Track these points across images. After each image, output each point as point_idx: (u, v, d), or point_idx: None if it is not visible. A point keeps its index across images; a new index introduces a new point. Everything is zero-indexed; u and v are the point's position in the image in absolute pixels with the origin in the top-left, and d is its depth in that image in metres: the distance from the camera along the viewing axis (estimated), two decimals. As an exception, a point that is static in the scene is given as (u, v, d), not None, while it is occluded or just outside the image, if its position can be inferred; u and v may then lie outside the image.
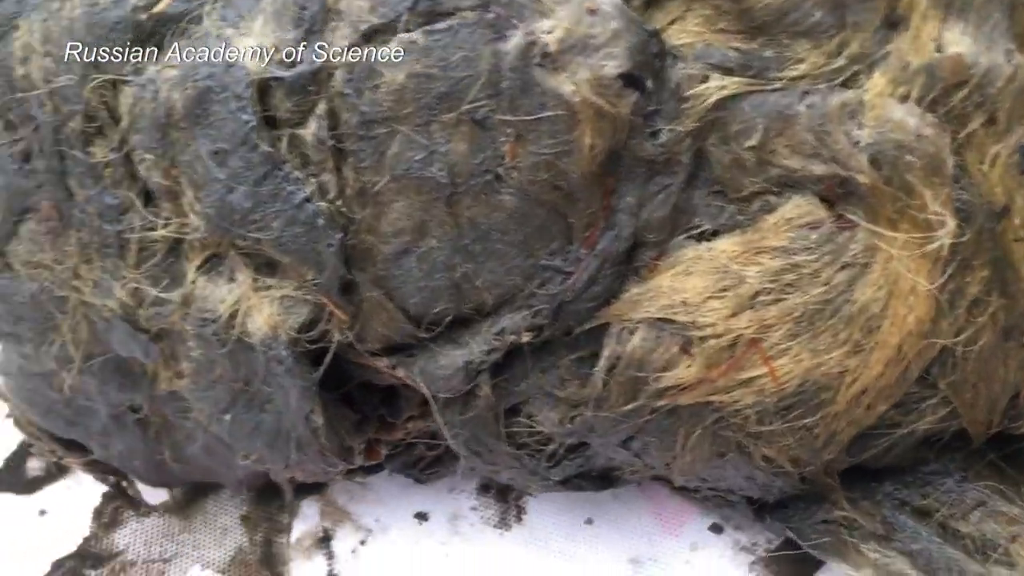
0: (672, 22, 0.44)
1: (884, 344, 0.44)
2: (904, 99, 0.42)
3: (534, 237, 0.44)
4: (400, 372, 0.47)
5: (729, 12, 0.42)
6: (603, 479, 0.51)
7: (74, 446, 0.53)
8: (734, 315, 0.44)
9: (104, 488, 0.58)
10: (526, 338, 0.45)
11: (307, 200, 0.42)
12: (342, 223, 0.43)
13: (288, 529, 0.58)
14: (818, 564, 0.54)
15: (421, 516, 0.58)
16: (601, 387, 0.46)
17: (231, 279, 0.45)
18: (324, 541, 0.57)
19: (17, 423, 0.54)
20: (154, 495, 0.58)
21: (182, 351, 0.47)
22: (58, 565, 0.56)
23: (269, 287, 0.44)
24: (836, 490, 0.49)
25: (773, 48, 0.42)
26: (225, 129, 0.41)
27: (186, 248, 0.45)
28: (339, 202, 0.43)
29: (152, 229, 0.44)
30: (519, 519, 0.57)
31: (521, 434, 0.48)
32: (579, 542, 0.56)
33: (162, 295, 0.45)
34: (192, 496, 0.59)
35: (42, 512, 0.59)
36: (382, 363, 0.47)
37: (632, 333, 0.45)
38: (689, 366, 0.45)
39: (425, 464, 0.54)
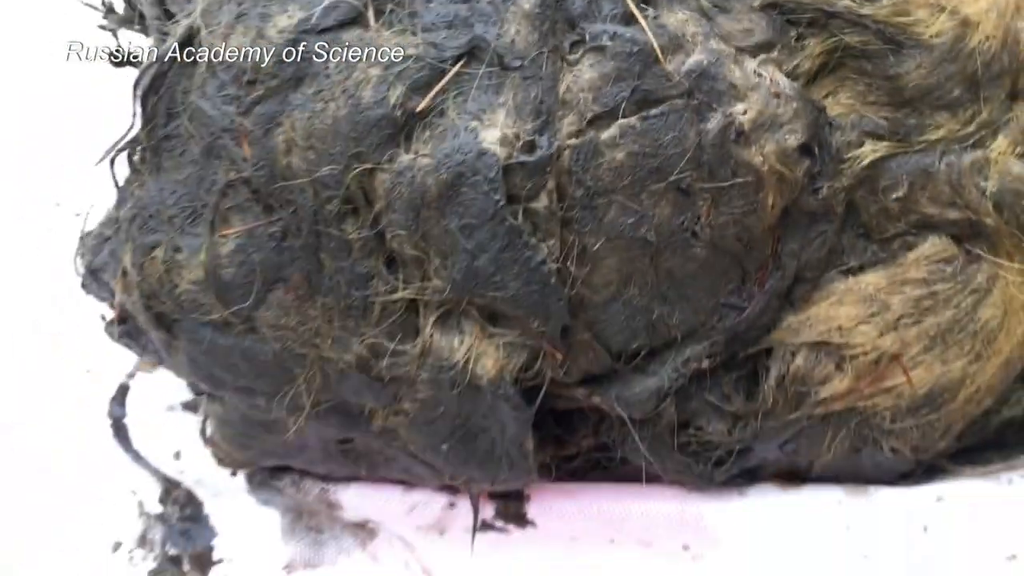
0: (827, 95, 0.52)
1: (999, 352, 0.54)
2: (1022, 156, 0.51)
3: (717, 281, 0.52)
4: (596, 399, 0.54)
5: (880, 88, 0.51)
6: (751, 475, 0.60)
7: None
8: (881, 336, 0.53)
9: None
10: (706, 364, 0.54)
11: (542, 263, 0.49)
12: (566, 279, 0.50)
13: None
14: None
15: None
16: (771, 401, 0.54)
17: (460, 330, 0.51)
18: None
19: (221, 462, 0.60)
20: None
21: (407, 394, 0.53)
22: None
23: (493, 335, 0.51)
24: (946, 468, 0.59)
25: (916, 117, 0.51)
26: (474, 207, 0.48)
27: (422, 306, 0.51)
28: (566, 262, 0.50)
29: (394, 292, 0.50)
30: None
31: (691, 443, 0.57)
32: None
33: (400, 348, 0.51)
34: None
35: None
36: (580, 392, 0.54)
37: (794, 355, 0.54)
38: (842, 380, 0.54)
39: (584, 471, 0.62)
